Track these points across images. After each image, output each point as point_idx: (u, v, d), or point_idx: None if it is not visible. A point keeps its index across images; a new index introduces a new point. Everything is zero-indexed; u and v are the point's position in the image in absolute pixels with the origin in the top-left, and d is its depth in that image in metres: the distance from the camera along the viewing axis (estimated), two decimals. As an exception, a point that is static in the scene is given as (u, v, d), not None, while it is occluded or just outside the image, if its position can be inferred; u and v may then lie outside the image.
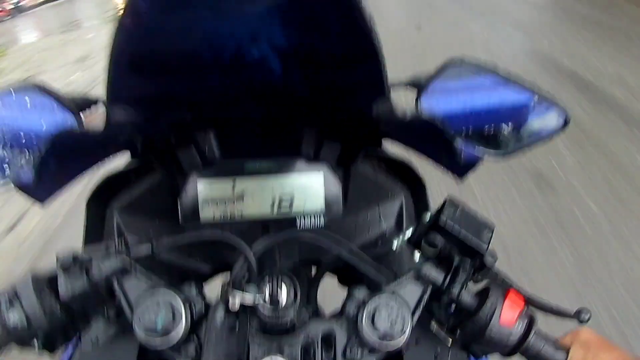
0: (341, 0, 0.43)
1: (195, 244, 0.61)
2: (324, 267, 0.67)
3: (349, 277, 0.72)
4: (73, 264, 0.49)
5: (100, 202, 0.67)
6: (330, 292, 0.74)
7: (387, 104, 0.52)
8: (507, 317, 0.49)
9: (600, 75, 3.93)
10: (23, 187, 0.51)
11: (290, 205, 0.64)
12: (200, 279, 0.68)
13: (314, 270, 0.70)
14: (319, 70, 0.54)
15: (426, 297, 0.52)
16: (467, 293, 0.52)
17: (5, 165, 0.54)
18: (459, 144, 0.51)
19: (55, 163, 0.47)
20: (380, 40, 0.47)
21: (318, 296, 0.66)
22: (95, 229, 0.67)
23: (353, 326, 0.50)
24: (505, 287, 0.52)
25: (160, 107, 0.54)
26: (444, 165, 0.60)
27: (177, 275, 0.64)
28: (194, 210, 0.62)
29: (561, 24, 5.88)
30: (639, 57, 4.31)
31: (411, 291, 0.52)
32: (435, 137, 0.54)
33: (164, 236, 0.61)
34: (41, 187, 0.52)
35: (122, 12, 0.41)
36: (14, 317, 0.46)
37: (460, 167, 0.60)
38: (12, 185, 0.53)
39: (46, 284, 0.49)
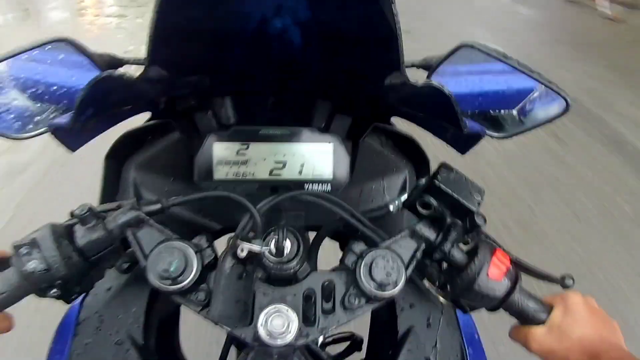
0: None
1: (206, 202, 0.64)
2: (325, 230, 0.70)
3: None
4: (90, 216, 0.51)
5: (117, 158, 0.69)
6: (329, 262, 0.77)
7: (401, 78, 0.54)
8: (494, 273, 0.53)
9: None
10: (58, 135, 0.53)
11: (300, 171, 0.67)
12: (211, 236, 0.72)
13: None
14: (338, 45, 0.57)
15: (419, 253, 0.55)
16: (458, 250, 0.55)
17: (38, 118, 0.57)
18: (464, 119, 0.54)
19: (91, 110, 0.49)
20: (399, 19, 0.50)
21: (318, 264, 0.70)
22: (111, 184, 0.70)
23: (351, 277, 0.53)
24: (492, 247, 0.56)
25: (187, 71, 0.57)
26: (447, 140, 0.63)
27: (188, 231, 0.67)
28: (209, 170, 0.66)
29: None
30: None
31: (406, 247, 0.55)
32: (441, 112, 0.57)
33: (176, 194, 0.64)
34: (74, 135, 0.55)
35: None
36: (34, 265, 0.48)
37: (463, 142, 0.63)
38: (36, 134, 0.56)
39: (64, 233, 0.51)
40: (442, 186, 0.56)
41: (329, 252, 0.79)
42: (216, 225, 0.70)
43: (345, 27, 0.54)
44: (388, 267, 0.52)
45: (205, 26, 0.53)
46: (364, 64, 0.58)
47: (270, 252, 0.53)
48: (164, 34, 0.48)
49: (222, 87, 0.65)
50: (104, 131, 0.59)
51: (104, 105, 0.53)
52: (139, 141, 0.70)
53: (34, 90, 0.58)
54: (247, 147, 0.66)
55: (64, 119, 0.51)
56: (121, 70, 0.52)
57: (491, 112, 0.68)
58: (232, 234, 0.59)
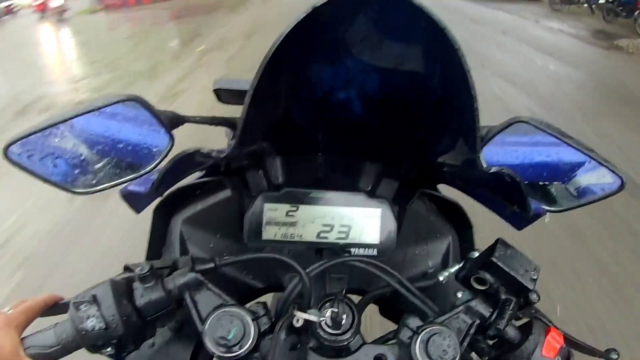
0: (444, 60, 0.46)
1: (253, 262, 0.65)
2: (370, 296, 0.69)
3: (392, 308, 0.75)
4: (150, 275, 0.53)
5: (166, 211, 0.72)
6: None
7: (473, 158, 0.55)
8: (548, 352, 0.53)
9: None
10: (127, 199, 0.55)
11: (347, 235, 0.68)
12: (253, 294, 0.72)
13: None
14: (400, 116, 0.58)
15: (473, 329, 0.55)
16: (512, 328, 0.55)
17: (102, 173, 0.59)
18: (529, 199, 0.54)
19: (167, 182, 0.51)
20: (475, 93, 0.50)
21: None
22: (159, 236, 0.72)
23: (405, 352, 0.52)
24: (546, 326, 0.56)
25: (254, 135, 0.60)
26: (504, 215, 0.63)
27: (231, 288, 0.68)
28: (258, 230, 0.67)
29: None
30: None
31: (461, 323, 0.55)
32: (505, 192, 0.57)
33: (226, 252, 0.65)
34: (142, 199, 0.57)
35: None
36: (93, 323, 0.49)
37: (521, 219, 0.63)
38: (99, 189, 0.58)
39: (124, 292, 0.52)
40: (500, 264, 0.56)
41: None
42: (259, 284, 0.71)
43: (410, 101, 0.56)
44: (444, 345, 0.51)
45: (278, 95, 0.55)
46: (430, 137, 0.59)
47: (326, 323, 0.53)
48: (256, 112, 0.50)
49: (275, 148, 0.67)
50: (166, 191, 0.61)
51: (179, 175, 0.55)
52: (188, 196, 0.71)
53: (101, 146, 0.60)
54: (297, 209, 0.67)
55: (137, 187, 0.53)
56: (206, 148, 0.54)
57: (543, 185, 0.68)
58: (276, 293, 0.59)
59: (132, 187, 0.57)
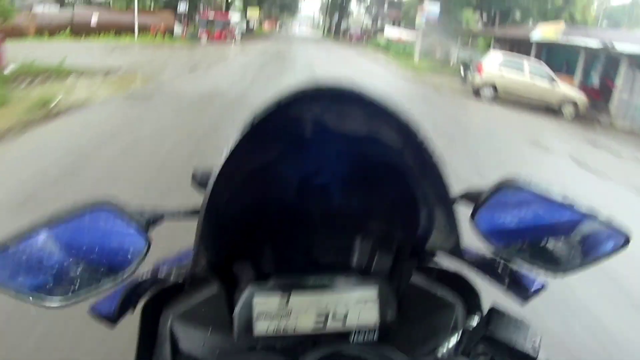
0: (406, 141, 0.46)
1: None
2: None
3: None
4: None
5: (154, 309, 0.68)
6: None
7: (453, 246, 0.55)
8: None
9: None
10: (97, 315, 0.52)
11: (344, 321, 0.64)
12: None
13: None
14: (377, 192, 0.57)
15: None
16: None
17: (76, 285, 0.56)
18: (525, 278, 0.52)
19: (135, 299, 0.48)
20: (444, 167, 0.51)
21: None
22: (148, 334, 0.68)
23: None
24: None
25: (239, 227, 0.58)
26: (505, 289, 0.60)
27: None
28: (249, 325, 0.62)
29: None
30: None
31: None
32: (493, 272, 0.55)
33: (218, 350, 0.61)
34: (117, 316, 0.54)
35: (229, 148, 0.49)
36: None
37: (523, 292, 0.60)
38: (73, 302, 0.55)
39: None
40: (496, 335, 0.54)
41: None
42: None
43: (383, 177, 0.55)
44: None
45: (251, 189, 0.54)
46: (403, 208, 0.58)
47: None
48: (216, 220, 0.50)
49: (262, 235, 0.64)
50: (140, 301, 0.59)
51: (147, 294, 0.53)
52: (177, 291, 0.68)
53: (74, 255, 0.57)
54: (288, 299, 0.63)
55: (104, 307, 0.50)
56: (164, 271, 0.52)
57: (542, 245, 0.64)
58: None
59: (100, 306, 0.54)
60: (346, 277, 0.64)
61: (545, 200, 0.61)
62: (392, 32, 37.59)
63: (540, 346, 0.54)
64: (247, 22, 34.63)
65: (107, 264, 0.57)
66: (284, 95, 0.47)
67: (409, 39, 30.82)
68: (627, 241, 0.59)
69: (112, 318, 0.56)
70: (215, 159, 0.49)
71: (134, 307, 0.59)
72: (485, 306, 0.68)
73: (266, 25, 63.43)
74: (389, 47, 31.12)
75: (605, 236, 0.61)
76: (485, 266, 0.59)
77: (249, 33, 33.43)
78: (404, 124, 0.50)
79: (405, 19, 38.39)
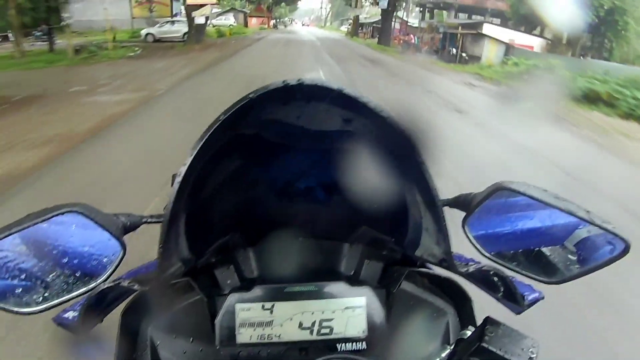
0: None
1: None
2: None
3: None
4: None
5: (134, 316, 0.65)
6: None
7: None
8: None
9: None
10: (63, 325, 0.50)
11: (331, 330, 0.61)
12: None
13: None
14: (362, 199, 0.54)
15: None
16: None
17: (48, 291, 0.53)
18: (519, 287, 0.50)
19: (99, 307, 0.46)
20: (431, 175, 0.48)
21: None
22: (128, 342, 0.65)
23: None
24: None
25: (215, 232, 0.55)
26: (499, 299, 0.58)
27: None
28: (231, 333, 0.60)
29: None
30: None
31: None
32: (488, 283, 0.53)
33: (196, 356, 0.59)
34: (83, 326, 0.52)
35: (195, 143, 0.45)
36: None
37: (519, 302, 0.58)
38: (44, 309, 0.53)
39: None
40: (491, 347, 0.51)
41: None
42: None
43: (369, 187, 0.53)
44: None
45: (231, 189, 0.52)
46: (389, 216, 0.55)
47: None
48: (188, 195, 0.47)
49: (245, 241, 0.61)
50: (112, 311, 0.56)
51: (114, 304, 0.50)
52: (156, 300, 0.65)
53: (45, 260, 0.55)
54: (272, 307, 0.60)
55: (68, 320, 0.48)
56: (129, 279, 0.50)
57: (537, 251, 0.61)
58: None
59: (63, 319, 0.52)
60: (333, 285, 0.62)
61: (541, 205, 0.58)
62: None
63: (537, 358, 0.51)
64: (190, 25, 21.52)
65: (81, 269, 0.55)
66: (256, 90, 0.45)
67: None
68: (627, 248, 0.56)
69: (76, 328, 0.54)
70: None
71: (101, 317, 0.56)
72: (479, 315, 0.65)
73: (253, 23, 51.19)
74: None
75: (603, 242, 0.58)
76: (478, 275, 0.57)
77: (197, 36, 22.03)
78: (394, 127, 0.48)
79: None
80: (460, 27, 22.68)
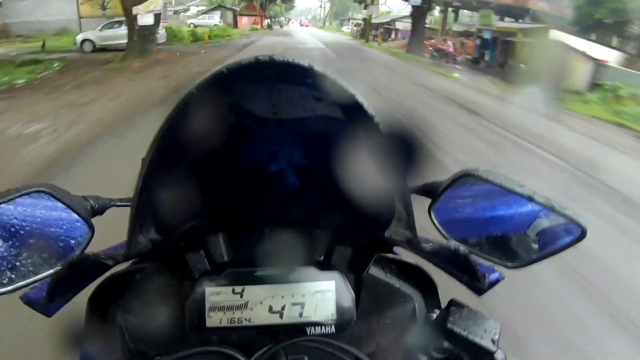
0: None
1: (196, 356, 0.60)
2: None
3: None
4: None
5: (102, 301, 0.65)
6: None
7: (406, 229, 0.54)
8: None
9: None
10: (31, 305, 0.50)
11: (301, 313, 0.62)
12: None
13: None
14: (334, 183, 0.55)
15: None
16: None
17: (16, 271, 0.53)
18: (482, 268, 0.51)
19: (67, 286, 0.46)
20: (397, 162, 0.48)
21: None
22: (96, 328, 0.65)
23: None
24: None
25: (183, 214, 0.56)
26: (462, 280, 0.59)
27: None
28: (201, 317, 0.60)
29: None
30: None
31: None
32: (451, 261, 0.54)
33: (169, 343, 0.60)
34: (51, 304, 0.52)
35: (164, 121, 0.43)
36: None
37: (481, 284, 0.59)
38: (14, 288, 0.53)
39: None
40: (455, 328, 0.53)
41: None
42: None
43: (339, 170, 0.54)
44: None
45: (200, 171, 0.52)
46: (360, 200, 0.56)
47: None
48: (158, 173, 0.48)
49: (215, 225, 0.62)
50: (82, 290, 0.56)
51: (82, 282, 0.51)
52: (126, 283, 0.65)
53: (11, 240, 0.54)
54: (242, 291, 0.61)
55: (35, 295, 0.48)
56: (101, 253, 0.50)
57: (498, 240, 0.63)
58: None
59: (31, 295, 0.52)
60: (304, 269, 0.63)
61: (504, 192, 0.60)
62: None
63: (499, 339, 0.53)
64: (131, 27, 13.70)
65: (48, 251, 0.55)
66: (227, 65, 0.44)
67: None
68: (583, 234, 0.58)
69: (43, 307, 0.54)
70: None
71: (68, 297, 0.56)
72: (443, 299, 0.67)
73: (242, 23, 46.24)
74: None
75: (562, 228, 0.60)
76: (442, 258, 0.58)
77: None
78: (362, 112, 0.48)
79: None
80: (520, 33, 16.59)
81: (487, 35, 19.28)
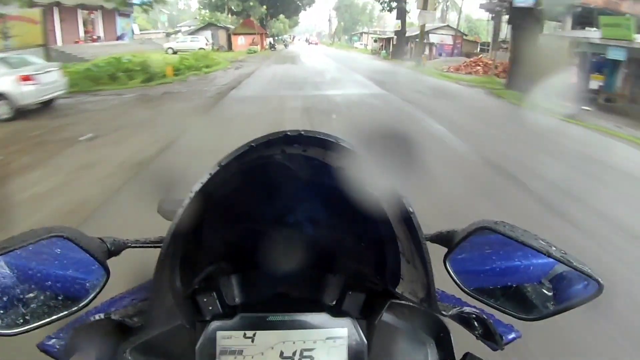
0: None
1: None
2: None
3: None
4: None
5: (113, 340, 0.65)
6: None
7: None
8: None
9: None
10: (47, 352, 0.50)
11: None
12: None
13: None
14: (348, 231, 0.56)
15: None
16: None
17: (31, 313, 0.53)
18: (499, 327, 0.51)
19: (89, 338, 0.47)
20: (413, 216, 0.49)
21: None
22: None
23: None
24: None
25: (205, 261, 0.56)
26: (478, 336, 0.59)
27: None
28: None
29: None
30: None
31: None
32: (467, 323, 0.54)
33: None
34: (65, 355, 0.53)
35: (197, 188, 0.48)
36: None
37: (497, 341, 0.59)
38: (27, 330, 0.53)
39: None
40: None
41: None
42: None
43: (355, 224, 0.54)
44: None
45: (225, 222, 0.53)
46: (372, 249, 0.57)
47: None
48: (179, 253, 0.49)
49: (229, 268, 0.62)
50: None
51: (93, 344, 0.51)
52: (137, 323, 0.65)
53: (28, 283, 0.55)
54: (254, 336, 0.60)
55: (53, 347, 0.48)
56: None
57: (515, 287, 0.63)
58: None
59: (50, 342, 0.52)
60: (316, 315, 0.62)
61: (519, 245, 0.60)
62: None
63: None
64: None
65: (63, 293, 0.55)
66: (257, 138, 0.48)
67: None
68: (600, 289, 0.58)
69: (61, 356, 0.54)
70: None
71: (90, 352, 0.56)
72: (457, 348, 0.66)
73: (239, 44, 38.19)
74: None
75: (578, 283, 0.59)
76: (458, 317, 0.58)
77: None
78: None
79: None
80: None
81: (617, 53, 11.73)
